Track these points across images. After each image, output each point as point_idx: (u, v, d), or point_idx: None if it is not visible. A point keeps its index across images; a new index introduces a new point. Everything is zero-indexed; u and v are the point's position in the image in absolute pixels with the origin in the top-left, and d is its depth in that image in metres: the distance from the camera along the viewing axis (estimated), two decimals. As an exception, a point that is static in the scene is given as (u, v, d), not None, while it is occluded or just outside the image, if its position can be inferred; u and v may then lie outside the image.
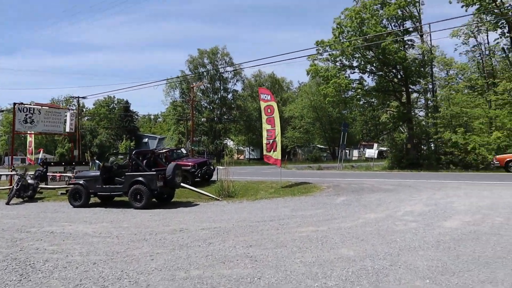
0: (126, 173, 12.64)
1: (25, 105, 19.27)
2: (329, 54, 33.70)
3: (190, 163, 18.32)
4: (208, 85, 59.66)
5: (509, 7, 28.96)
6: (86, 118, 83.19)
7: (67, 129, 22.07)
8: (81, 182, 13.15)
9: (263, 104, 17.11)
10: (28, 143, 36.40)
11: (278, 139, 16.43)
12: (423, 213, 9.26)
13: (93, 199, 13.88)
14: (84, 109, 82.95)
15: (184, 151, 21.13)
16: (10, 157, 33.68)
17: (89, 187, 13.01)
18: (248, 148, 70.39)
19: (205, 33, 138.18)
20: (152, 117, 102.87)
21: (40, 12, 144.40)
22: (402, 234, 7.26)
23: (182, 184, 14.08)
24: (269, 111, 16.69)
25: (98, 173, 13.24)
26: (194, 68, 58.85)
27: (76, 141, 55.51)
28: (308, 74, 34.65)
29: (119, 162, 17.27)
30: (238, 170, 29.35)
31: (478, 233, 7.11)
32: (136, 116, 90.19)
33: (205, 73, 58.32)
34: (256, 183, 17.77)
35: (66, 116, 21.46)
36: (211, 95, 60.83)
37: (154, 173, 12.32)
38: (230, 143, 70.03)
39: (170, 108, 66.80)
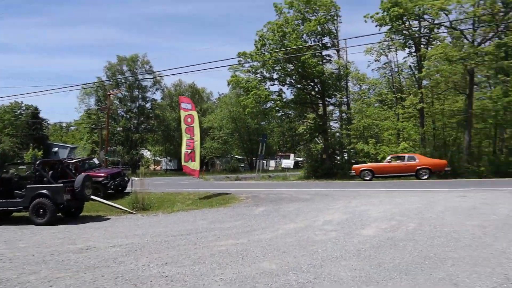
0: (28, 185, 11.41)
1: None
2: (251, 66, 33.94)
3: (102, 174, 17.20)
4: (126, 93, 57.37)
5: (416, 29, 31.12)
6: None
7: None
8: (-28, 195, 11.65)
9: (183, 113, 16.56)
10: None
11: (197, 149, 15.96)
12: (341, 222, 9.30)
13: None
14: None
15: (96, 161, 19.81)
16: None
17: (-17, 202, 11.55)
18: (165, 158, 68.66)
19: (124, 41, 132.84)
20: (64, 125, 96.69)
21: None
22: (323, 244, 7.15)
23: (92, 196, 13.07)
24: (189, 120, 16.17)
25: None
26: (112, 75, 56.29)
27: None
28: (229, 84, 34.59)
29: (21, 173, 15.68)
30: (154, 181, 28.30)
31: (395, 240, 7.20)
32: (46, 123, 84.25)
33: (123, 80, 56.04)
34: (172, 195, 17.07)
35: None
36: (128, 104, 58.43)
37: (61, 185, 11.25)
38: (146, 153, 67.86)
39: (84, 116, 63.20)
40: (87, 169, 17.77)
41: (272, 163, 67.56)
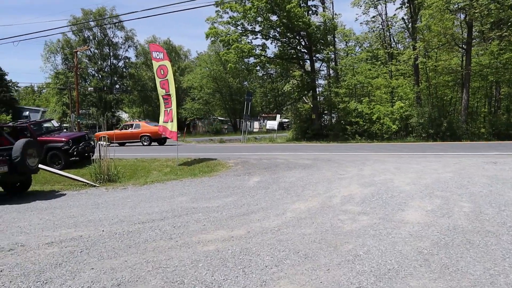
0: (-51, 156, 8.76)
1: None
2: (230, 17, 30.86)
3: (63, 139, 14.57)
4: (96, 51, 53.31)
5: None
6: None
7: None
8: None
9: (156, 64, 13.84)
10: None
11: (174, 106, 13.36)
12: (366, 199, 7.02)
13: None
14: None
15: (55, 123, 17.00)
16: None
17: None
18: (144, 120, 65.52)
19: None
20: (36, 88, 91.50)
21: None
22: (359, 239, 4.85)
23: (42, 166, 10.51)
24: (162, 72, 13.46)
25: None
26: (79, 31, 51.98)
27: None
28: (207, 37, 31.37)
29: None
30: (130, 145, 25.71)
31: (462, 231, 4.96)
32: (16, 87, 79.35)
33: (91, 37, 51.85)
34: (148, 161, 14.60)
35: None
36: (99, 62, 54.41)
37: (-9, 154, 8.63)
38: (124, 115, 64.53)
39: (52, 77, 59.06)
40: (44, 133, 15.12)
41: (256, 125, 65.25)
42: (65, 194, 9.65)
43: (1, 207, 8.24)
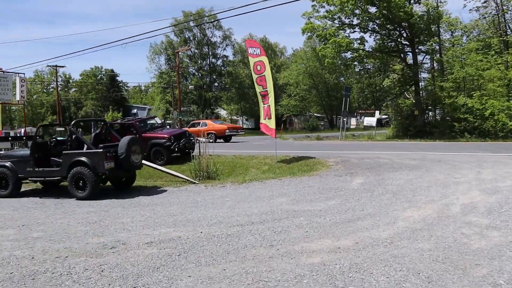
0: (64, 152, 9.28)
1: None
2: (326, 11, 29.94)
3: (165, 135, 15.03)
4: (196, 51, 55.44)
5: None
6: (73, 90, 79.70)
7: (17, 97, 18.18)
8: (7, 164, 9.71)
9: (252, 60, 13.66)
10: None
11: (272, 102, 13.04)
12: (493, 209, 6.05)
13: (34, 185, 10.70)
14: (71, 80, 79.41)
15: (158, 120, 17.71)
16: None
17: (18, 171, 9.63)
18: (241, 117, 66.86)
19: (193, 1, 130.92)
20: (142, 87, 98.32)
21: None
22: (494, 261, 4.05)
23: (145, 162, 10.83)
24: (259, 68, 13.23)
25: (29, 152, 9.81)
26: (180, 33, 54.46)
27: (57, 113, 51.94)
28: (303, 33, 30.78)
29: (61, 137, 13.85)
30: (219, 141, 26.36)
31: None
32: (126, 86, 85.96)
33: (191, 37, 53.95)
34: (246, 159, 14.48)
35: (15, 82, 17.59)
36: (199, 61, 56.54)
37: (100, 150, 8.97)
38: (222, 112, 66.46)
39: (157, 76, 62.67)
40: (148, 130, 15.78)
41: (353, 121, 63.37)
42: (166, 190, 9.82)
43: (109, 201, 8.58)
